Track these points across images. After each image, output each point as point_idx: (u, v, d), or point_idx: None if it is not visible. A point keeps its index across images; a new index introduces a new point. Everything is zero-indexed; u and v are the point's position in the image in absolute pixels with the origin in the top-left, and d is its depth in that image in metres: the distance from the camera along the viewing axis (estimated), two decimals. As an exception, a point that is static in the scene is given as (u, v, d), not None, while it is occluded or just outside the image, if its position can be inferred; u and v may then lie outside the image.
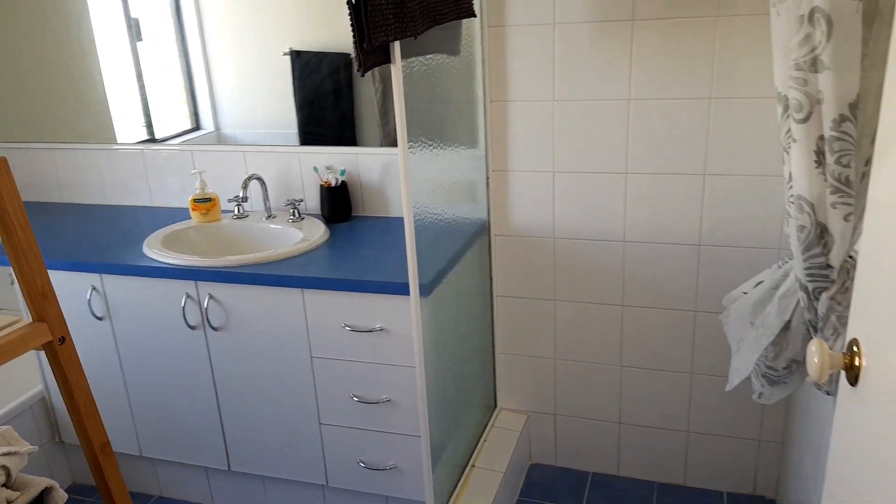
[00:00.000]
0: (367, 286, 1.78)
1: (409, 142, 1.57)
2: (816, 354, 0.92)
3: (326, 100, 2.24)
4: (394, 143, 2.16)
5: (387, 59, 1.43)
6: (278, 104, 2.28)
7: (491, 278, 2.20)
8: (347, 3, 1.27)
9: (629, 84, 1.85)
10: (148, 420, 2.18)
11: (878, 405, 0.85)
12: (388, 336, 1.83)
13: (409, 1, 1.42)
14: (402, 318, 1.79)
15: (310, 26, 2.17)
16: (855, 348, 0.90)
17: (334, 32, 2.15)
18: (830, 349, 0.95)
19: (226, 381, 2.04)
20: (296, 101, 2.27)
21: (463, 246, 1.97)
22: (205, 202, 2.25)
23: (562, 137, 1.96)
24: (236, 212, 2.30)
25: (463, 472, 2.09)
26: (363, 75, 1.38)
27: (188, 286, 1.95)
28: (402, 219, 2.23)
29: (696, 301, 2.00)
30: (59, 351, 1.01)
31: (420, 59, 1.63)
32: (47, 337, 0.99)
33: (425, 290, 1.72)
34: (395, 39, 1.38)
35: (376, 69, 2.10)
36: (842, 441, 0.96)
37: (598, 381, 2.20)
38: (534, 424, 2.34)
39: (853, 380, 0.90)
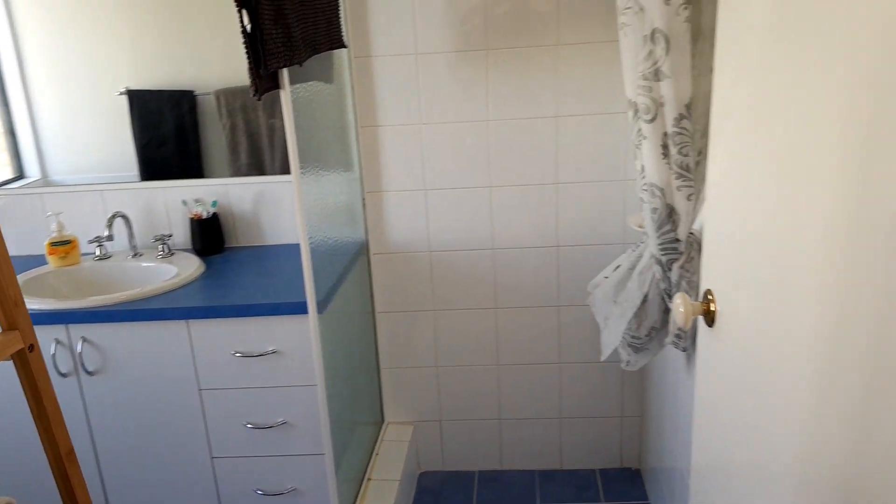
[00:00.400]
0: (259, 309, 1.81)
1: (298, 166, 1.65)
2: (682, 305, 1.14)
3: (169, 137, 2.24)
4: (249, 173, 2.23)
5: (276, 85, 1.51)
6: (115, 145, 2.24)
7: (372, 296, 2.30)
8: (242, 31, 1.34)
9: (487, 106, 2.07)
10: (23, 481, 1.99)
11: (729, 339, 1.08)
12: (282, 358, 1.86)
13: (294, 31, 1.51)
14: (295, 339, 1.83)
15: (145, 65, 2.17)
16: (709, 297, 1.13)
17: (171, 70, 2.16)
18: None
19: (104, 429, 1.93)
20: (135, 141, 2.24)
21: (346, 266, 2.06)
22: (63, 245, 2.13)
23: (431, 157, 2.13)
24: (98, 253, 2.20)
25: (360, 486, 2.14)
26: (259, 99, 1.45)
27: (57, 331, 1.84)
28: (278, 246, 2.28)
29: (559, 297, 2.24)
30: (31, 359, 1.01)
31: (302, 85, 1.72)
32: (20, 345, 0.99)
33: (320, 309, 1.78)
34: (286, 66, 1.47)
35: (223, 105, 2.17)
36: (705, 371, 1.19)
37: (478, 382, 2.37)
38: (421, 433, 2.45)
39: (710, 322, 1.13)
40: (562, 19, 1.97)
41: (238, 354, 1.85)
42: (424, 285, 2.27)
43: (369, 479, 2.17)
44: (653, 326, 1.57)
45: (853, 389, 0.72)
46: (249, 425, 1.91)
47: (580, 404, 2.37)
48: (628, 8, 1.16)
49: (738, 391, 1.05)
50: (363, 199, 2.20)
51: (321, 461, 1.92)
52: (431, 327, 2.31)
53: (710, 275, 1.14)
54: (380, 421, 2.44)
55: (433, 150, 2.12)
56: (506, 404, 2.39)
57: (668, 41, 1.12)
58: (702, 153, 1.25)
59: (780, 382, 0.90)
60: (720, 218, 1.10)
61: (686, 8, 1.09)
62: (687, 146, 1.21)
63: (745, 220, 0.98)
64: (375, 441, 2.36)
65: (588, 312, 2.24)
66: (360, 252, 2.21)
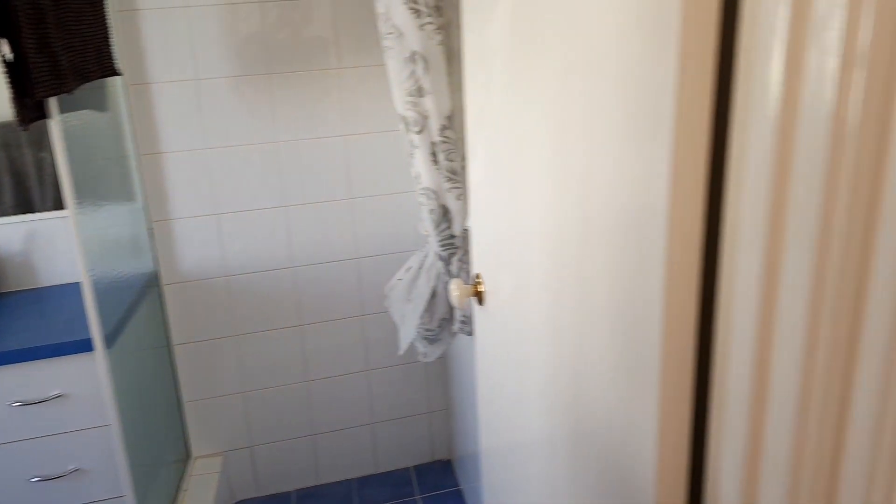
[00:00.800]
0: (39, 352, 1.69)
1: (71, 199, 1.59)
2: (456, 289, 1.31)
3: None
4: (16, 213, 2.08)
5: (44, 114, 1.45)
6: None
7: (167, 327, 2.23)
8: (3, 62, 1.28)
9: (274, 128, 2.13)
10: None
11: (495, 312, 1.27)
12: (68, 401, 1.75)
13: (61, 59, 1.47)
14: (83, 380, 1.74)
15: None
16: (478, 279, 1.31)
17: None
18: (467, 286, 1.35)
19: None
20: None
21: (134, 299, 1.99)
22: None
23: (221, 182, 2.14)
24: None
25: (173, 525, 2.06)
26: (26, 130, 1.38)
27: None
28: (56, 287, 2.13)
29: (363, 306, 2.36)
30: None
31: (74, 114, 1.66)
32: None
33: (108, 344, 1.71)
34: (53, 94, 1.43)
35: None
36: (482, 343, 1.38)
37: (288, 402, 2.39)
38: (231, 463, 2.40)
39: (481, 301, 1.31)
40: (342, 44, 2.11)
41: (18, 404, 1.71)
42: (223, 312, 2.25)
43: (181, 518, 2.10)
44: (443, 318, 1.74)
45: (567, 340, 0.92)
46: (36, 478, 1.77)
47: (390, 407, 2.49)
48: (390, 33, 1.32)
49: (504, 357, 1.24)
50: (150, 229, 2.14)
51: None
52: (234, 354, 2.29)
53: (479, 260, 1.33)
54: (185, 457, 2.36)
55: (223, 173, 2.14)
56: (318, 419, 2.44)
57: (426, 62, 1.29)
58: (464, 158, 1.44)
59: (526, 344, 1.09)
60: (481, 213, 1.29)
61: (438, 32, 1.27)
62: (452, 153, 1.40)
63: (496, 214, 1.18)
64: (181, 477, 2.27)
65: (390, 318, 2.38)
66: (150, 283, 2.14)
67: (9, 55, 1.26)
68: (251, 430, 2.39)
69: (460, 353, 2.16)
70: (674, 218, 0.68)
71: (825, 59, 0.52)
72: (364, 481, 2.52)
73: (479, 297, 1.30)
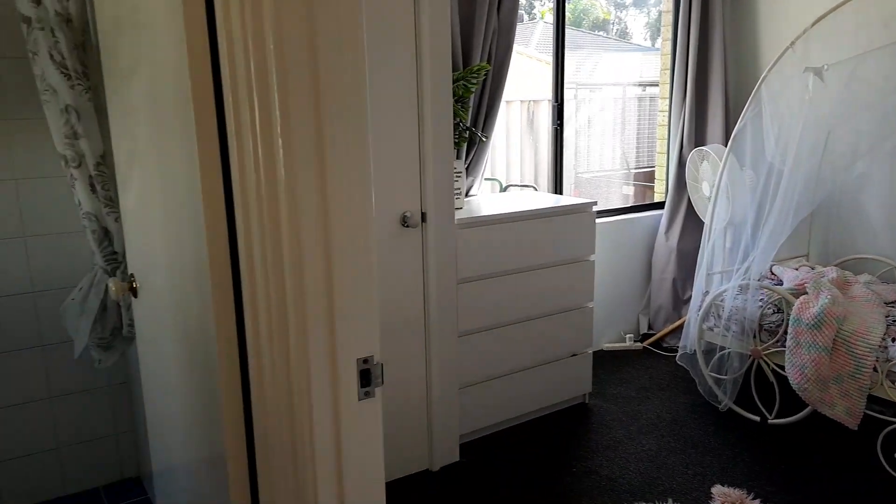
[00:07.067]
0: None
1: None
2: (114, 285, 1.68)
3: None
4: None
5: None
6: None
7: None
8: None
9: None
10: None
11: (148, 304, 1.67)
12: None
13: None
14: None
15: None
16: (133, 277, 1.71)
17: None
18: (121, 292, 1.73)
19: None
20: None
21: None
22: None
23: None
24: None
25: None
26: None
27: None
28: None
29: (41, 337, 2.52)
30: None
31: None
32: None
33: None
34: None
35: None
36: (140, 329, 1.76)
37: (-38, 435, 2.42)
38: None
39: (135, 294, 1.71)
40: (5, 93, 2.33)
41: None
42: None
43: None
44: (115, 326, 2.07)
45: (173, 299, 1.38)
46: None
47: (76, 431, 2.65)
48: (46, 90, 1.68)
49: (156, 350, 1.64)
50: None
51: None
52: None
53: (132, 262, 1.73)
54: None
55: None
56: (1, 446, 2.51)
57: (78, 113, 1.67)
58: (118, 189, 1.84)
59: (165, 336, 1.52)
60: (133, 228, 1.70)
61: (88, 90, 1.66)
62: (108, 184, 1.78)
63: (140, 231, 1.60)
64: None
65: (71, 349, 2.57)
66: None
67: None
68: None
69: (139, 380, 2.46)
70: (207, 221, 1.19)
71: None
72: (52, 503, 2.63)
73: (134, 291, 1.69)
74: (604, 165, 4.82)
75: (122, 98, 1.57)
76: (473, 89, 2.90)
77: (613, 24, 5.39)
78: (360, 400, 1.06)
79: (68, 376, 2.60)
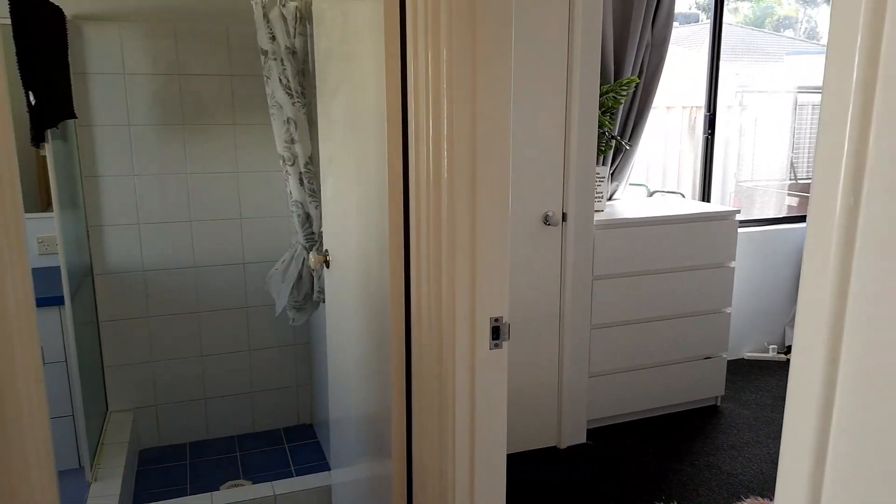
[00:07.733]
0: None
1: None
2: (312, 257, 2.16)
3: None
4: None
5: (44, 139, 2.20)
6: None
7: (95, 308, 2.91)
8: (29, 105, 2.04)
9: (185, 162, 2.93)
10: None
11: (337, 275, 2.13)
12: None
13: (54, 104, 2.23)
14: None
15: None
16: (327, 251, 2.18)
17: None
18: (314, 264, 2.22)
19: None
20: None
21: (74, 286, 2.68)
22: None
23: (142, 199, 2.89)
24: None
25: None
26: (37, 147, 2.12)
27: None
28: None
29: (247, 300, 3.13)
30: None
31: (55, 142, 2.40)
32: None
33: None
34: (51, 127, 2.18)
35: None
36: (329, 296, 2.23)
37: (186, 371, 3.10)
38: (139, 417, 3.07)
39: (328, 265, 2.18)
40: (236, 107, 2.96)
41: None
42: (140, 298, 2.97)
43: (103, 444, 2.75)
44: (307, 293, 2.58)
45: (363, 276, 1.80)
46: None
47: (266, 380, 3.26)
48: (273, 105, 2.20)
49: (341, 312, 2.10)
50: (87, 231, 2.86)
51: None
52: (146, 331, 3.00)
53: (327, 241, 2.20)
54: (104, 411, 3.00)
55: (143, 193, 2.90)
56: (209, 386, 3.16)
57: (296, 123, 2.17)
58: (320, 183, 2.33)
59: (349, 300, 1.97)
60: (329, 214, 2.17)
61: (304, 106, 2.16)
62: (313, 179, 2.28)
63: (336, 214, 2.06)
64: (101, 427, 2.92)
65: (270, 311, 3.17)
66: (85, 273, 2.84)
67: (32, 100, 2.02)
68: (157, 391, 3.07)
69: (321, 341, 2.99)
70: (391, 225, 1.59)
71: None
72: (243, 438, 3.25)
73: (327, 263, 2.17)
74: (771, 175, 4.70)
75: (327, 112, 2.04)
76: (622, 101, 3.14)
77: (801, 22, 5.13)
78: (490, 349, 1.41)
79: (265, 333, 3.21)
